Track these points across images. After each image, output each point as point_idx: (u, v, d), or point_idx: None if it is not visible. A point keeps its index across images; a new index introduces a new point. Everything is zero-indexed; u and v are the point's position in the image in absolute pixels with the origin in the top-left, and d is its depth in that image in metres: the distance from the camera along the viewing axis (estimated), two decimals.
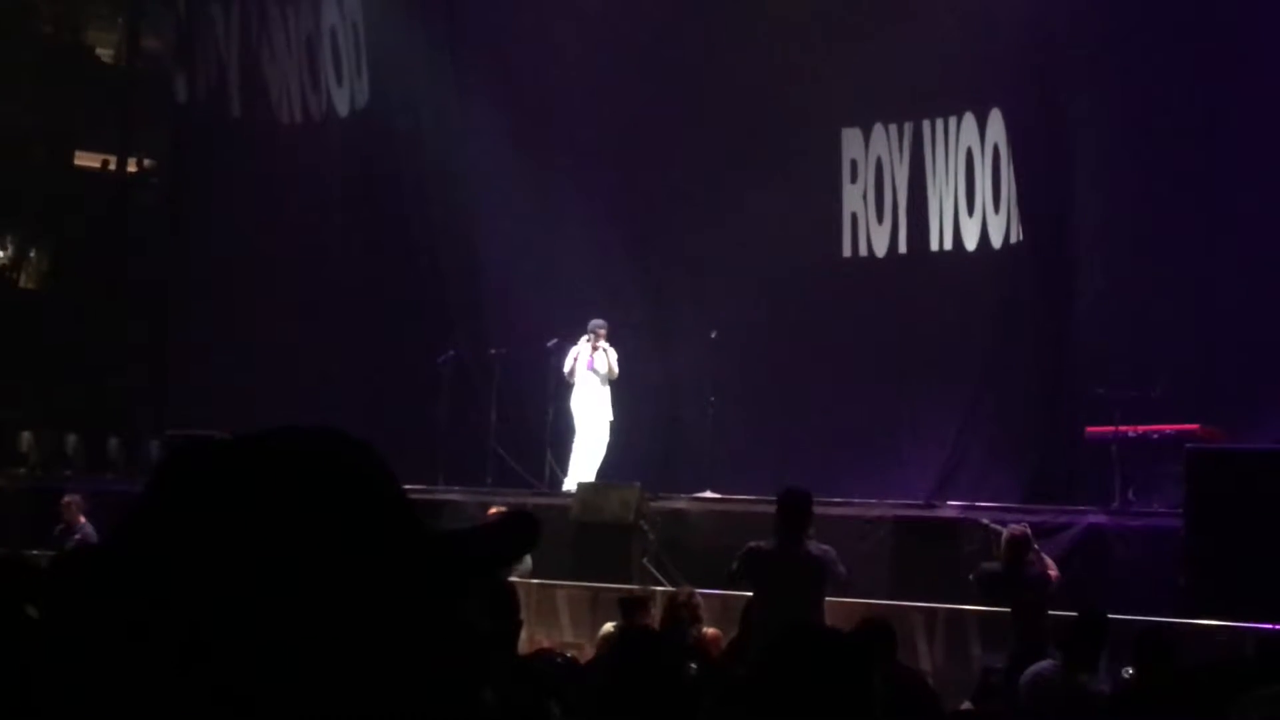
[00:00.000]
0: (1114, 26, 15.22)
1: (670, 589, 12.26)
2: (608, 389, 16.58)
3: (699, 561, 13.30)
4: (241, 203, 21.22)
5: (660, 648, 4.55)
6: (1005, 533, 12.28)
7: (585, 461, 16.59)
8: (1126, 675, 9.24)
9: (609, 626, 11.65)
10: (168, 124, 23.24)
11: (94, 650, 1.09)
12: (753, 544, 10.69)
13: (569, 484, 16.32)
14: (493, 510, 14.56)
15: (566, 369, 16.53)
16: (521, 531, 1.21)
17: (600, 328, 16.45)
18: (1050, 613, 10.66)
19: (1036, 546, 12.30)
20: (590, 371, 16.47)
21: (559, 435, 16.89)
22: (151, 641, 1.06)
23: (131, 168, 25.21)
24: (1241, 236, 14.44)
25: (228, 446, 1.14)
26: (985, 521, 13.11)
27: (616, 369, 16.49)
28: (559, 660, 8.15)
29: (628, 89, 18.16)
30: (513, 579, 13.49)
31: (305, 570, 1.07)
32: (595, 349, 16.41)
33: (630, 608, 11.57)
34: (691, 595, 11.19)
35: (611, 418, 16.63)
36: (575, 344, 16.54)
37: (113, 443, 20.21)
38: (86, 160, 25.69)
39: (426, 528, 1.14)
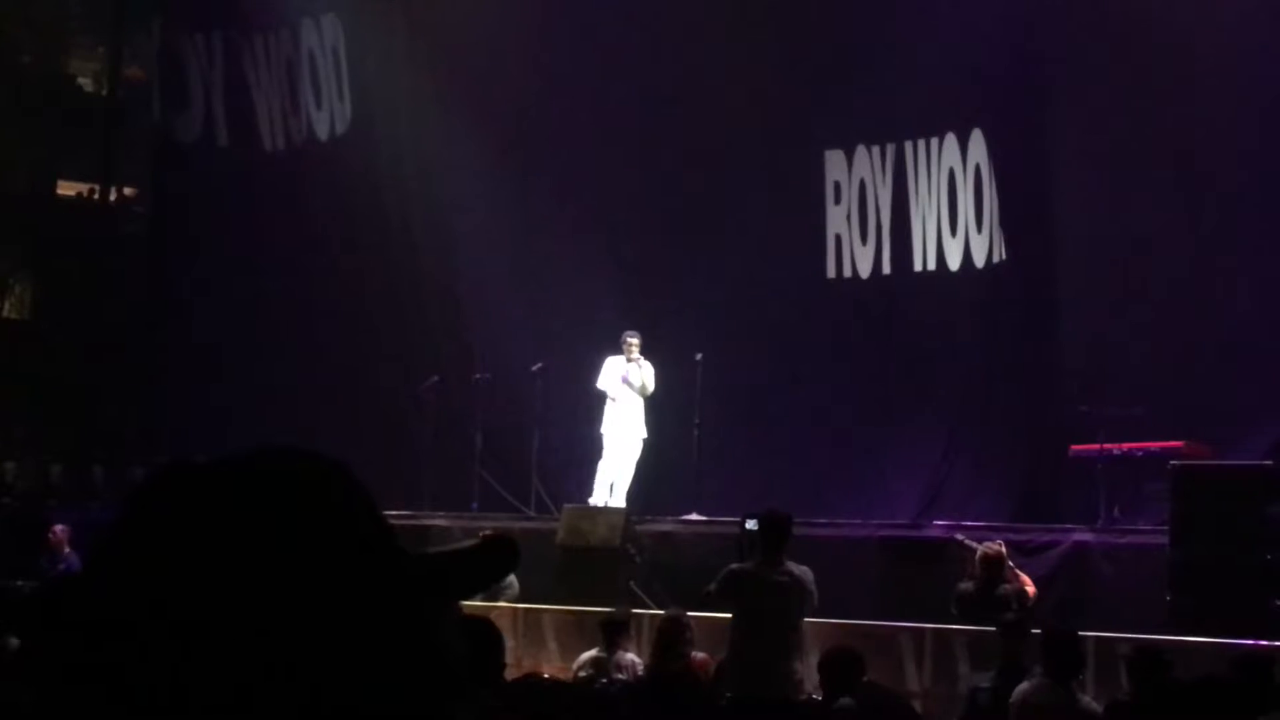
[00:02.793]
0: (1096, 45, 15.28)
1: (660, 612, 12.22)
2: (641, 405, 16.16)
3: (686, 584, 13.26)
4: (225, 229, 21.20)
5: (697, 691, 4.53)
6: (979, 550, 12.26)
7: (615, 481, 16.12)
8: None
9: (588, 655, 11.63)
10: (150, 152, 23.22)
11: (72, 680, 1.08)
12: (734, 566, 10.74)
13: (595, 502, 16.01)
14: (483, 534, 14.53)
15: (603, 385, 16.10)
16: (499, 554, 1.22)
17: (633, 336, 16.12)
18: (1034, 631, 10.65)
19: (1012, 564, 12.29)
20: (625, 385, 16.08)
21: (545, 459, 16.82)
22: (128, 668, 1.06)
23: (114, 196, 25.15)
24: (1225, 254, 14.49)
25: (201, 469, 1.14)
26: (959, 538, 13.07)
27: (652, 385, 16.05)
28: (547, 685, 8.14)
29: (611, 112, 18.19)
30: (500, 604, 13.48)
31: (281, 591, 1.07)
32: (630, 360, 16.05)
33: (612, 630, 11.56)
34: (682, 619, 11.17)
35: (645, 435, 16.19)
36: (610, 358, 16.16)
37: (98, 472, 20.14)
38: (69, 189, 25.65)
39: (403, 547, 1.14)
